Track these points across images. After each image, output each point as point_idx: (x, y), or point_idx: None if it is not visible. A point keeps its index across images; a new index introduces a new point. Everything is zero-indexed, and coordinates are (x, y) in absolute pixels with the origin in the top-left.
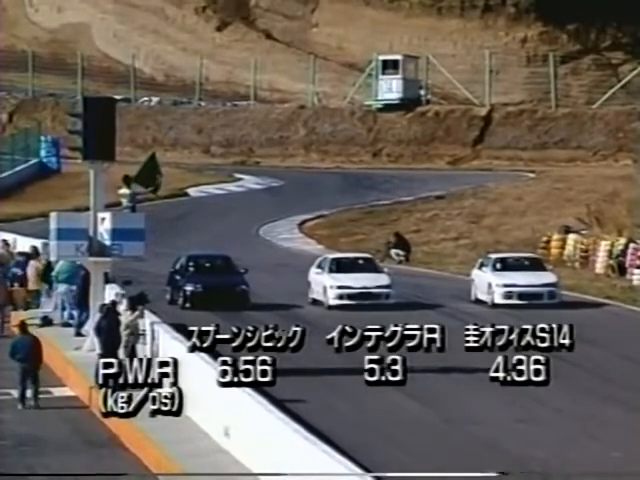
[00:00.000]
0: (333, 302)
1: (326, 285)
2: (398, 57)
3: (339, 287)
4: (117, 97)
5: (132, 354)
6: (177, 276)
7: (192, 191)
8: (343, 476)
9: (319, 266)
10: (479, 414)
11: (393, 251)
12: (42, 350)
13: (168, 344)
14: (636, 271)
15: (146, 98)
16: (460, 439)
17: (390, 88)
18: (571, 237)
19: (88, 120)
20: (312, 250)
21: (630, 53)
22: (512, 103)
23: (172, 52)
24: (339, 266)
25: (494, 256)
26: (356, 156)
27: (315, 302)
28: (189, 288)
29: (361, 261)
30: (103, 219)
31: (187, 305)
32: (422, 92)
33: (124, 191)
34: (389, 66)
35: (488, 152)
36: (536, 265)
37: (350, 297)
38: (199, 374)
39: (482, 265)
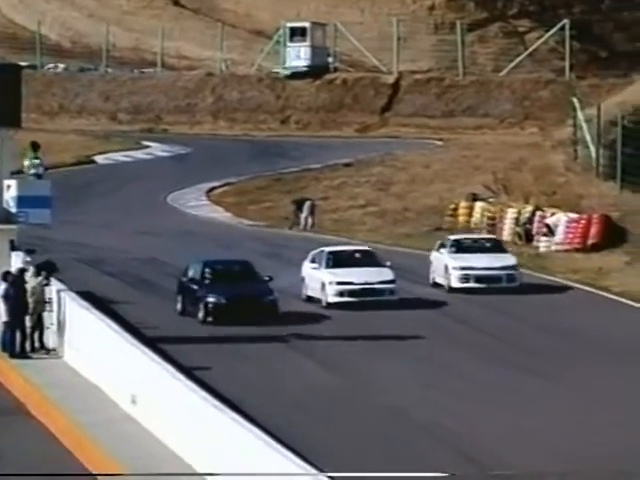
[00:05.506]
0: (332, 299)
1: (324, 281)
2: (306, 24)
3: (339, 283)
4: (23, 64)
5: (39, 322)
6: (193, 285)
7: (99, 158)
8: (251, 442)
9: (313, 260)
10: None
11: (302, 215)
12: None
13: (75, 312)
14: (542, 238)
15: (52, 65)
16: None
17: (298, 55)
18: (478, 205)
19: None
20: (220, 218)
21: (537, 21)
22: (420, 71)
23: (78, 18)
24: (337, 260)
25: (452, 237)
26: (264, 123)
27: (310, 299)
28: (211, 300)
29: (359, 254)
30: (9, 186)
31: (209, 319)
32: (330, 59)
33: (30, 161)
34: (297, 33)
35: (396, 120)
36: (495, 247)
37: (351, 294)
38: (107, 342)
39: (441, 246)
